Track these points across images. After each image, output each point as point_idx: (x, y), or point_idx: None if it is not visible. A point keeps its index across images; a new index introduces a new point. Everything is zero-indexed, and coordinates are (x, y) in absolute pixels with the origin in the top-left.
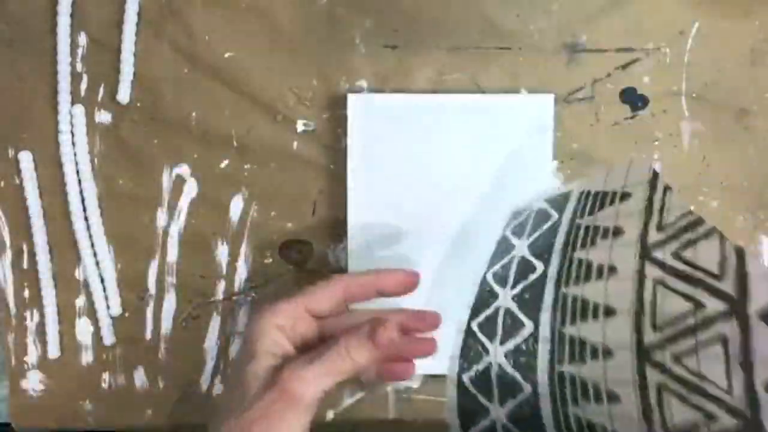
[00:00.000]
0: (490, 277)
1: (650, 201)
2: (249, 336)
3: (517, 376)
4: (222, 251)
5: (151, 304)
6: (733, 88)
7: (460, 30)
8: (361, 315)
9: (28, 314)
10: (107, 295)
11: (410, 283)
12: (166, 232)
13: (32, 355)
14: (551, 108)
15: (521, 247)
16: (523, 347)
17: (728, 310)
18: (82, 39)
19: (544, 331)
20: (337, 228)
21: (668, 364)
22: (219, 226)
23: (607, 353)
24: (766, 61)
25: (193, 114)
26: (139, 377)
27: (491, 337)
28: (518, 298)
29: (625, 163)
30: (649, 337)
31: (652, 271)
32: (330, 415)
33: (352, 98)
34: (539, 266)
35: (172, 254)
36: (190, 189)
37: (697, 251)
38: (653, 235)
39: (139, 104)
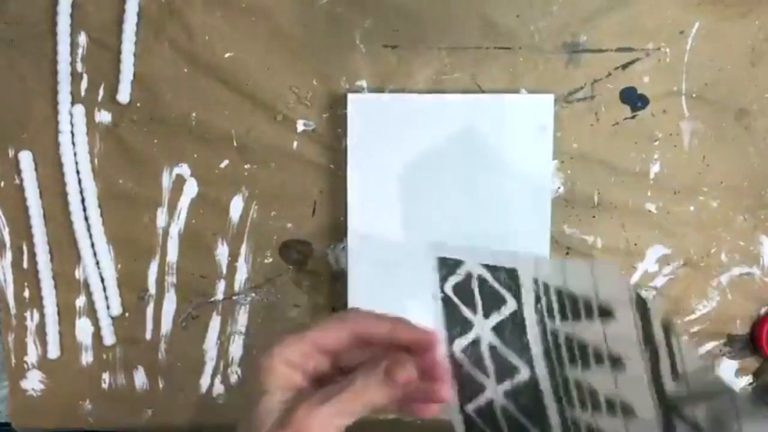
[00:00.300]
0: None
1: (648, 338)
2: (258, 371)
3: None
4: (222, 251)
5: (151, 304)
6: (733, 88)
7: (460, 30)
8: (378, 348)
9: (28, 314)
10: (107, 295)
11: (427, 343)
12: (166, 232)
13: (32, 355)
14: (551, 108)
15: (482, 327)
16: None
17: None
18: (82, 39)
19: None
20: (337, 228)
21: None
22: (219, 226)
23: None
24: (766, 61)
25: (193, 114)
26: (139, 377)
27: None
28: (511, 398)
29: (586, 262)
30: None
31: (682, 428)
32: None
33: (352, 98)
34: (523, 369)
35: (172, 254)
36: (190, 189)
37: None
38: (669, 384)
39: (139, 104)
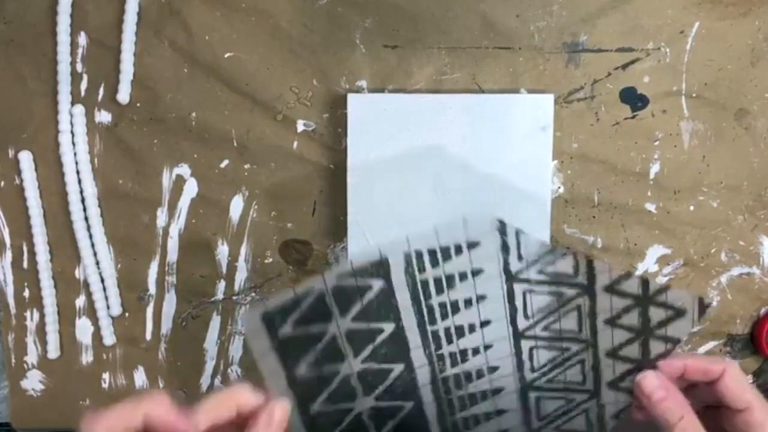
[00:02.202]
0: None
1: (504, 243)
2: None
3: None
4: (222, 251)
5: (151, 304)
6: (733, 88)
7: (459, 30)
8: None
9: (28, 314)
10: (107, 295)
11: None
12: (166, 232)
13: (32, 355)
14: (551, 108)
15: (340, 325)
16: (398, 383)
17: (582, 291)
18: (82, 39)
19: (419, 360)
20: (337, 228)
21: (538, 333)
22: (219, 226)
23: (488, 347)
24: (766, 61)
25: (193, 114)
26: (139, 377)
27: (352, 398)
28: (372, 358)
29: (458, 222)
30: (522, 324)
31: (520, 287)
32: None
33: (352, 98)
34: (387, 326)
35: (172, 254)
36: (190, 189)
37: (557, 266)
38: (515, 264)
39: (139, 104)
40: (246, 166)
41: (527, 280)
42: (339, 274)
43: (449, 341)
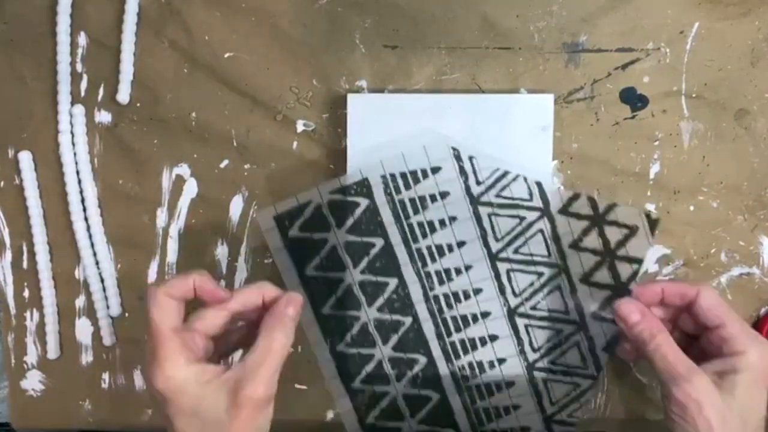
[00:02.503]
0: (311, 272)
1: (461, 168)
2: (146, 303)
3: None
4: (222, 251)
5: None
6: (733, 88)
7: (459, 30)
8: (245, 297)
9: (28, 314)
10: (107, 295)
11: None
12: (166, 232)
13: (32, 355)
14: (551, 108)
15: (337, 235)
16: (394, 296)
17: (540, 215)
18: (82, 39)
19: (410, 277)
20: None
21: (510, 256)
22: (219, 226)
23: (468, 267)
24: (766, 61)
25: (193, 114)
26: (139, 377)
27: (357, 307)
28: (369, 270)
29: (419, 147)
30: (495, 246)
31: (484, 210)
32: (330, 415)
33: (352, 98)
34: (377, 241)
35: (172, 254)
36: (190, 189)
37: (512, 190)
38: (475, 188)
39: (139, 104)
40: (246, 166)
41: (489, 203)
42: (331, 190)
43: (433, 259)
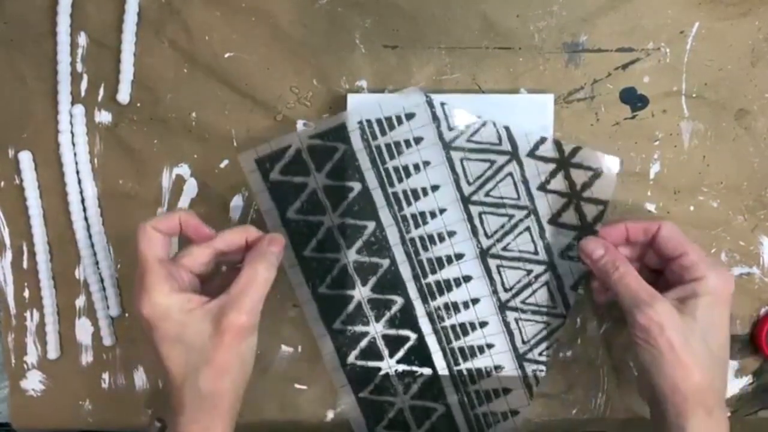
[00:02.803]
0: (292, 215)
1: (434, 114)
2: (136, 238)
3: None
4: None
5: None
6: (733, 88)
7: (459, 30)
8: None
9: (28, 314)
10: (107, 295)
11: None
12: None
13: (32, 355)
14: (551, 108)
15: (316, 179)
16: (372, 239)
17: (509, 158)
18: (82, 39)
19: (387, 220)
20: None
21: (482, 199)
22: (219, 226)
23: (442, 210)
24: (766, 61)
25: (193, 114)
26: (139, 377)
27: (337, 249)
28: (348, 213)
29: (395, 96)
30: (467, 189)
31: (456, 155)
32: (330, 415)
33: (352, 98)
34: (355, 185)
35: (172, 254)
36: (190, 189)
37: (481, 135)
38: (447, 134)
39: (139, 104)
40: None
41: (461, 148)
42: (310, 135)
43: (408, 203)
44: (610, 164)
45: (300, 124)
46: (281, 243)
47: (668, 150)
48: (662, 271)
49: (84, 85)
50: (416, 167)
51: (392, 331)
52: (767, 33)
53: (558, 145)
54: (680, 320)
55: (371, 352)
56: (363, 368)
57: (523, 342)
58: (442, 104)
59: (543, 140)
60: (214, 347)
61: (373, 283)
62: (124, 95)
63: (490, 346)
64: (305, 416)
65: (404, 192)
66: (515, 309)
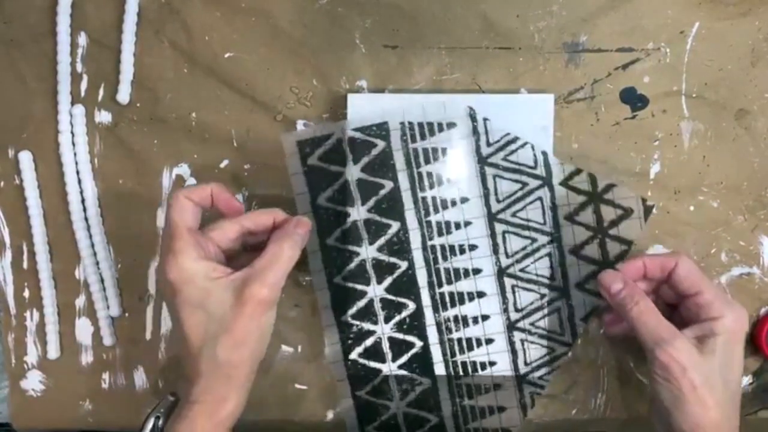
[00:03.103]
0: (323, 201)
1: (475, 128)
2: (168, 206)
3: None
4: None
5: (151, 304)
6: (733, 88)
7: (459, 30)
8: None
9: (28, 314)
10: (107, 295)
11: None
12: None
13: (32, 355)
14: (551, 108)
15: (351, 172)
16: (395, 239)
17: (542, 183)
18: (82, 39)
19: (412, 223)
20: None
21: (508, 218)
22: None
23: (467, 223)
24: (766, 61)
25: (193, 114)
26: (139, 377)
27: (359, 243)
28: (375, 209)
29: (439, 102)
30: (495, 206)
31: (490, 171)
32: (330, 415)
33: (352, 98)
34: (387, 183)
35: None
36: None
37: (518, 155)
38: (485, 149)
39: (139, 104)
40: (246, 166)
41: (495, 165)
42: (353, 127)
43: (435, 210)
44: (642, 205)
45: (300, 124)
46: (308, 226)
47: (668, 150)
48: (677, 306)
49: (84, 85)
50: (449, 176)
51: (399, 335)
52: (767, 33)
53: (592, 178)
54: (701, 359)
55: (375, 352)
56: (364, 367)
57: (526, 363)
58: (485, 120)
59: (578, 171)
60: (234, 317)
61: (388, 283)
62: (124, 95)
63: (492, 363)
64: (305, 416)
65: (433, 198)
66: (523, 330)
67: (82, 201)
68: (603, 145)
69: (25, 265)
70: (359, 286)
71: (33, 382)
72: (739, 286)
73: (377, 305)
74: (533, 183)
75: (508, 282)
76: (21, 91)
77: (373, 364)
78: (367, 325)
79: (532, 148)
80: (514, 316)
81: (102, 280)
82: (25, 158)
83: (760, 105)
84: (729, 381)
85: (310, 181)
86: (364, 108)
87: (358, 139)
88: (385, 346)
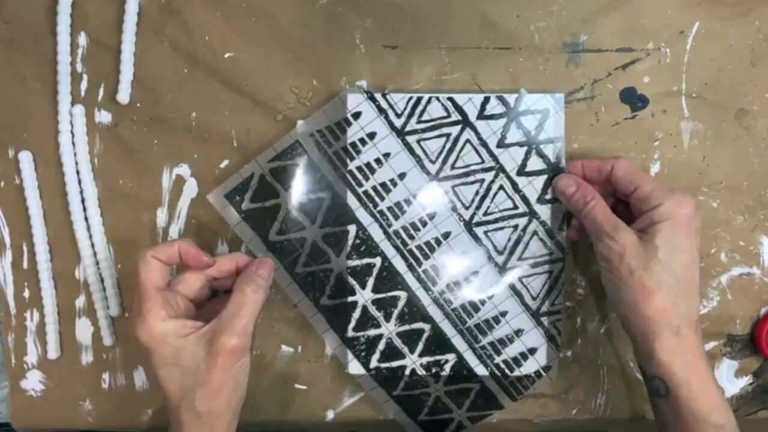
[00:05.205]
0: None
1: (379, 107)
2: (136, 265)
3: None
4: (222, 251)
5: None
6: (733, 88)
7: (459, 30)
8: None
9: (28, 314)
10: (107, 295)
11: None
12: (166, 232)
13: (32, 355)
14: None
15: (288, 199)
16: (357, 241)
17: (462, 126)
18: (82, 39)
19: (366, 219)
20: None
21: (449, 173)
22: (219, 226)
23: (415, 195)
24: (766, 61)
25: (193, 114)
26: (139, 377)
27: (327, 260)
28: (327, 223)
29: (336, 100)
30: (432, 168)
31: (411, 138)
32: (330, 415)
33: (352, 98)
34: (325, 195)
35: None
36: (190, 189)
37: (429, 112)
38: (397, 121)
39: (139, 104)
40: (246, 166)
41: (414, 131)
42: (269, 159)
43: (381, 198)
44: (555, 101)
45: (300, 124)
46: (269, 265)
47: (668, 150)
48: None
49: (84, 85)
50: (378, 161)
51: (405, 327)
52: (767, 33)
53: (501, 99)
54: (640, 247)
55: (391, 352)
56: (389, 369)
57: (533, 298)
58: (384, 95)
59: (487, 99)
60: (208, 369)
61: (372, 284)
62: (124, 95)
63: (503, 314)
64: (305, 416)
65: (374, 188)
66: (514, 268)
67: (82, 201)
68: (603, 145)
69: (25, 265)
70: (347, 299)
71: (33, 382)
72: (739, 286)
73: (372, 309)
74: (455, 130)
75: (479, 230)
76: (21, 91)
77: (395, 364)
78: (371, 332)
79: (438, 98)
80: (500, 259)
81: (102, 280)
82: (25, 158)
83: (760, 105)
84: (676, 267)
85: (254, 225)
86: (311, 122)
87: (278, 168)
88: (398, 342)
